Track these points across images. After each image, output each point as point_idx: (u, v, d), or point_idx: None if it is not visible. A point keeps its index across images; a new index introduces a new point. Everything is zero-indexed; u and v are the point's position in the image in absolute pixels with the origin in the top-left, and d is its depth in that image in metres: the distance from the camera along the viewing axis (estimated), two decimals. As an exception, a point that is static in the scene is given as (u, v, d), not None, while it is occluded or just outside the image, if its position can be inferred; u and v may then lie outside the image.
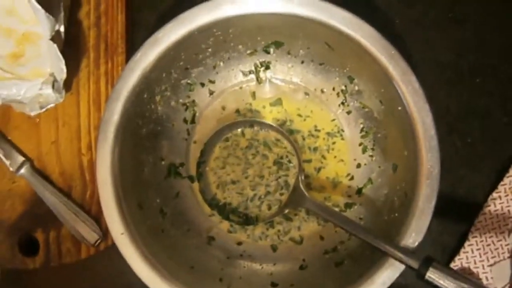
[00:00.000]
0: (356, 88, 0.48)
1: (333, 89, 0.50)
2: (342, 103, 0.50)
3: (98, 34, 0.51)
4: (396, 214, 0.44)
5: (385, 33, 0.42)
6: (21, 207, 0.50)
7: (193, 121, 0.51)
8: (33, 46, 0.48)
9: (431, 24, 0.53)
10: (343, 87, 0.49)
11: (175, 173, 0.50)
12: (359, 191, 0.49)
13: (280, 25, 0.44)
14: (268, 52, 0.49)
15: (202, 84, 0.50)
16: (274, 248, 0.49)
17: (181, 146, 0.51)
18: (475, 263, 0.48)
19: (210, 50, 0.47)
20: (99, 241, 0.48)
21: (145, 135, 0.47)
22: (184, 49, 0.44)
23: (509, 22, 0.53)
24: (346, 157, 0.50)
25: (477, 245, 0.48)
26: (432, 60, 0.52)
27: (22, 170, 0.49)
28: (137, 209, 0.44)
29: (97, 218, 0.49)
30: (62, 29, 0.46)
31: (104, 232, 0.48)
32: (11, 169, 0.49)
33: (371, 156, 0.49)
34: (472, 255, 0.48)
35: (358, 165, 0.49)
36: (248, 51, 0.49)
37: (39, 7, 0.42)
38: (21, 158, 0.50)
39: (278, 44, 0.48)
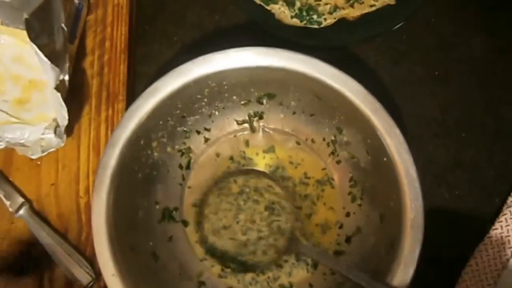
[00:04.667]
0: (345, 139, 0.50)
1: (323, 139, 0.52)
2: (332, 152, 0.51)
3: (101, 83, 0.53)
4: (382, 264, 0.44)
5: (374, 89, 0.44)
6: (17, 247, 0.50)
7: (188, 167, 0.52)
8: (39, 92, 0.51)
9: (418, 82, 0.55)
10: (333, 138, 0.51)
11: (169, 217, 0.51)
12: (348, 240, 0.50)
13: (271, 78, 0.46)
14: (261, 103, 0.51)
15: (198, 132, 0.52)
16: None
17: (176, 191, 0.52)
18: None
19: (205, 100, 0.49)
20: (92, 283, 0.49)
21: (141, 179, 0.48)
22: (180, 99, 0.46)
23: (490, 80, 0.55)
24: (335, 205, 0.51)
25: (463, 297, 0.49)
26: (419, 115, 0.54)
27: (21, 211, 0.50)
28: (130, 252, 0.45)
29: (91, 260, 0.49)
30: (66, 78, 0.48)
31: (97, 274, 0.49)
32: (10, 209, 0.50)
33: (360, 205, 0.50)
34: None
35: (347, 214, 0.50)
36: (242, 102, 0.51)
37: (45, 59, 0.44)
38: (20, 200, 0.51)
39: (270, 96, 0.50)
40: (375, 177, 0.48)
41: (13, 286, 0.50)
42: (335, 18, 0.53)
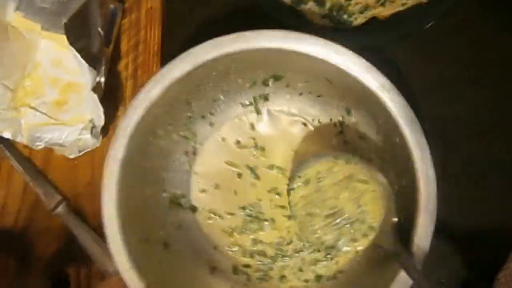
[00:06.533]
0: (353, 119, 0.49)
1: (331, 119, 0.51)
2: (340, 132, 0.51)
3: (135, 84, 0.54)
4: None
5: (402, 89, 0.42)
6: (55, 244, 0.52)
7: (194, 153, 0.52)
8: (76, 94, 0.52)
9: (448, 82, 0.54)
10: (340, 118, 0.50)
11: (177, 205, 0.50)
12: None
13: (281, 59, 0.45)
14: (267, 85, 0.50)
15: (203, 117, 0.51)
16: None
17: (182, 178, 0.51)
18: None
19: (211, 84, 0.47)
20: (125, 280, 0.50)
21: (149, 168, 0.47)
22: (187, 83, 0.44)
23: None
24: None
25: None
26: (451, 116, 0.53)
27: (59, 209, 0.52)
28: (143, 244, 0.44)
29: (125, 257, 0.51)
30: (102, 79, 0.50)
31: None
32: (48, 207, 0.52)
33: None
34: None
35: None
36: (248, 84, 0.50)
37: (83, 61, 0.46)
38: (58, 198, 0.53)
39: (277, 78, 0.49)
40: (386, 157, 0.46)
41: (51, 282, 0.51)
42: (365, 18, 0.53)
